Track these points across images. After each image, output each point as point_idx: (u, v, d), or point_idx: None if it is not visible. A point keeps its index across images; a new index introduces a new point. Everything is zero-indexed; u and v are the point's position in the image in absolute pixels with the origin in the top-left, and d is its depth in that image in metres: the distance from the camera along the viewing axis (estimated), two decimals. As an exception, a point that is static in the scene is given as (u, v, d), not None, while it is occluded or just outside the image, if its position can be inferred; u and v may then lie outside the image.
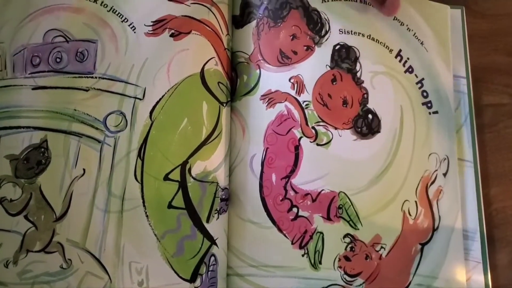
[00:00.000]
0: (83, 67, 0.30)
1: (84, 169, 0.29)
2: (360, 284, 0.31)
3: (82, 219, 0.28)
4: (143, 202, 0.29)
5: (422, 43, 0.35)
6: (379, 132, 0.32)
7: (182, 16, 0.31)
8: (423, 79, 0.34)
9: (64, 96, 0.29)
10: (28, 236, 0.28)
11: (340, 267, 0.31)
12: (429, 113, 0.34)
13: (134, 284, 0.28)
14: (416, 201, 0.32)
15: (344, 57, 0.33)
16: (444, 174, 0.33)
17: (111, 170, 0.29)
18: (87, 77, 0.30)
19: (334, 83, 0.33)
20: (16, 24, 0.30)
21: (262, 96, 0.32)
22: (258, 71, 0.33)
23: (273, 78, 0.32)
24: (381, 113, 0.33)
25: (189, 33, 0.31)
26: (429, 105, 0.34)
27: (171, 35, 0.30)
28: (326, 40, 0.33)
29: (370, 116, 0.32)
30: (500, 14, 0.38)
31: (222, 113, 0.31)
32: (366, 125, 0.32)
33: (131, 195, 0.29)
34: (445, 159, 0.33)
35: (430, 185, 0.33)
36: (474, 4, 0.38)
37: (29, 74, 0.29)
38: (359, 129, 0.32)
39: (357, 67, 0.33)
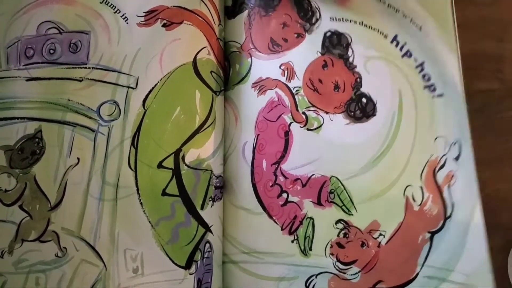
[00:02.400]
0: (77, 58, 0.29)
1: (78, 158, 0.28)
2: (356, 273, 0.29)
3: (76, 208, 0.27)
4: (137, 189, 0.28)
5: (420, 28, 0.33)
6: (375, 115, 0.31)
7: (174, 6, 0.30)
8: (423, 62, 0.32)
9: (58, 87, 0.28)
10: (23, 225, 0.27)
11: (332, 254, 0.29)
12: (433, 96, 0.32)
13: (129, 271, 0.27)
14: (421, 186, 0.30)
15: (336, 43, 0.32)
16: (456, 158, 0.31)
17: (105, 159, 0.28)
18: (81, 67, 0.29)
19: (325, 68, 0.32)
20: (9, 17, 0.29)
21: (253, 84, 0.31)
22: (249, 59, 0.32)
23: (264, 66, 0.32)
24: (376, 97, 0.31)
25: (181, 23, 0.30)
26: (432, 88, 0.32)
27: (163, 25, 0.29)
28: (317, 28, 0.32)
29: (364, 99, 0.31)
30: (489, 2, 0.38)
31: (215, 102, 0.30)
32: (360, 108, 0.31)
33: (125, 183, 0.28)
34: (455, 142, 0.31)
35: (439, 169, 0.30)
36: (464, -8, 0.37)
37: (23, 65, 0.28)
38: (352, 113, 0.31)
39: (349, 53, 0.32)
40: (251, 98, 0.31)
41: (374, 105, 0.31)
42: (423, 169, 0.30)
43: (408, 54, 0.32)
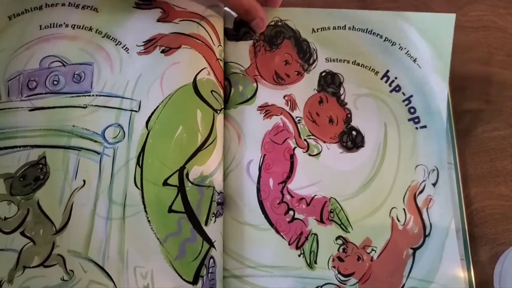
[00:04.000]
0: (80, 87, 0.30)
1: (84, 180, 0.28)
2: (354, 284, 0.31)
3: (83, 229, 0.27)
4: (144, 207, 0.28)
5: (415, 60, 0.36)
6: (363, 146, 0.34)
7: (171, 33, 0.32)
8: (411, 96, 0.36)
9: (62, 115, 0.29)
10: (25, 252, 0.26)
11: (334, 267, 0.31)
12: (416, 128, 0.35)
13: (139, 289, 0.26)
14: (404, 209, 0.33)
15: (330, 82, 0.35)
16: (434, 184, 0.34)
17: (111, 179, 0.28)
18: (84, 95, 0.30)
19: (321, 104, 0.35)
20: (10, 53, 0.30)
21: (259, 107, 0.34)
22: (255, 84, 0.34)
23: (269, 93, 0.34)
24: (364, 130, 0.34)
25: (179, 47, 0.31)
26: (416, 120, 0.35)
27: (162, 51, 0.31)
28: (313, 68, 0.36)
29: (354, 132, 0.34)
30: (477, 26, 0.40)
31: (216, 120, 0.32)
32: (351, 140, 0.34)
33: (132, 201, 0.28)
34: (434, 170, 0.34)
35: (419, 194, 0.34)
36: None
37: (25, 97, 0.29)
38: (345, 144, 0.34)
39: (341, 91, 0.35)
40: (257, 120, 0.33)
41: (363, 137, 0.34)
42: (405, 193, 0.34)
43: (397, 88, 0.36)
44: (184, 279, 0.28)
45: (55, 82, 0.30)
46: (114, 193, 0.28)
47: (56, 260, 0.26)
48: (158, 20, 0.32)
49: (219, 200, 0.31)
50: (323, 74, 0.36)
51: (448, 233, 0.33)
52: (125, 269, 0.26)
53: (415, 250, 0.32)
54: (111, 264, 0.26)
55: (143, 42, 0.32)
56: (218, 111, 0.32)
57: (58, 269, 0.26)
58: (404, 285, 0.31)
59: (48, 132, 0.29)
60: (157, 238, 0.28)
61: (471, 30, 0.40)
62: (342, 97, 0.35)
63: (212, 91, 0.32)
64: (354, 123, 0.35)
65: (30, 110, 0.29)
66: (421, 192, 0.34)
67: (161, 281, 0.27)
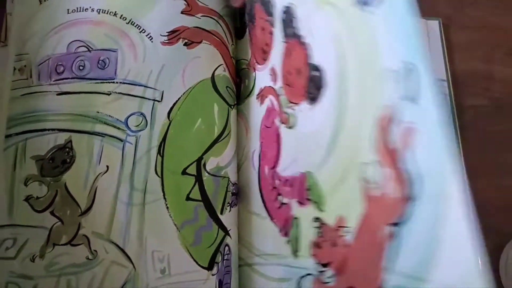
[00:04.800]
0: (105, 74, 0.30)
1: (107, 166, 0.29)
2: (331, 276, 0.23)
3: (106, 213, 0.28)
4: (164, 195, 0.29)
5: None
6: (326, 85, 0.23)
7: (193, 27, 0.32)
8: None
9: (87, 100, 0.30)
10: (54, 230, 0.28)
11: (314, 255, 0.24)
12: (371, 12, 0.19)
13: (156, 272, 0.28)
14: (379, 161, 0.19)
15: (288, 21, 0.27)
16: (414, 99, 0.17)
17: (133, 166, 0.29)
18: (109, 82, 0.30)
19: (290, 57, 0.28)
20: (41, 37, 0.31)
21: (257, 95, 0.33)
22: (254, 73, 0.34)
23: (262, 77, 0.33)
24: (324, 63, 0.23)
25: (200, 42, 0.32)
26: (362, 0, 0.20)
27: (185, 44, 0.32)
28: (276, 17, 0.29)
29: (316, 73, 0.24)
30: (478, 26, 0.42)
31: (230, 114, 0.32)
32: (315, 86, 0.24)
33: (152, 188, 0.29)
34: (410, 70, 0.17)
35: (392, 125, 0.18)
36: (456, 18, 0.42)
37: (53, 81, 0.30)
38: (311, 95, 0.25)
39: (296, 25, 0.26)
40: (256, 109, 0.33)
41: (324, 73, 0.24)
42: (375, 132, 0.19)
43: None
44: (199, 265, 0.29)
45: (80, 67, 0.31)
46: (135, 180, 0.29)
47: (82, 240, 0.28)
48: (182, 12, 0.32)
49: (234, 191, 0.32)
50: (283, 17, 0.28)
51: (449, 189, 0.16)
52: (143, 253, 0.28)
53: (399, 226, 0.18)
54: (131, 247, 0.28)
55: (167, 32, 0.32)
56: (232, 106, 0.33)
57: (83, 249, 0.28)
58: (384, 282, 0.19)
59: (74, 117, 0.30)
60: (174, 225, 0.29)
61: (473, 30, 0.42)
62: (300, 32, 0.26)
63: (227, 87, 0.33)
64: (314, 59, 0.24)
65: (57, 94, 0.30)
66: (395, 120, 0.18)
67: (177, 265, 0.29)
